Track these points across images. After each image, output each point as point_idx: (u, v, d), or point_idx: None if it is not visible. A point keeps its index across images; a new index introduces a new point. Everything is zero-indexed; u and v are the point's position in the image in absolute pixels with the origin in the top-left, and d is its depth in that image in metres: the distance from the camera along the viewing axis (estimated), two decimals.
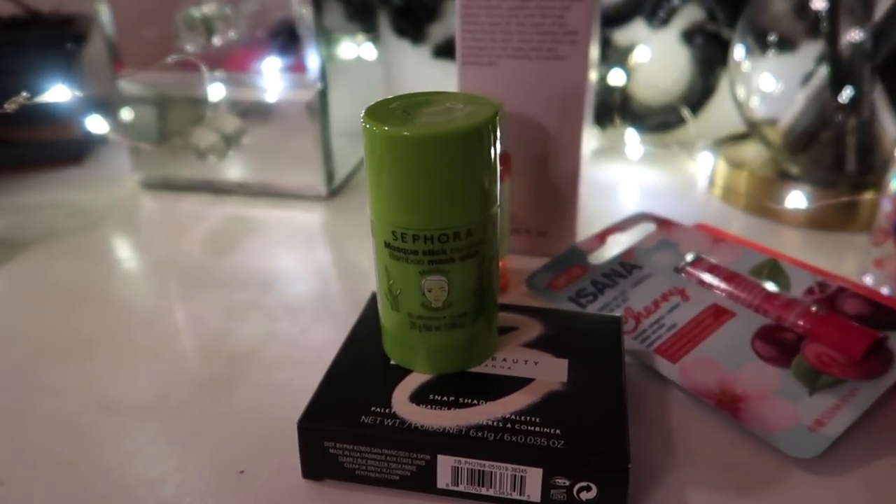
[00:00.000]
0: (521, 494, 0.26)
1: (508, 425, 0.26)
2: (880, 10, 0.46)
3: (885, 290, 0.40)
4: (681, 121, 0.63)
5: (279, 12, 0.50)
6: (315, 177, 0.54)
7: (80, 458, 0.29)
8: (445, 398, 0.28)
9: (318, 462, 0.28)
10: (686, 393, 0.32)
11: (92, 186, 0.59)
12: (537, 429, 0.26)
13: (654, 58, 0.63)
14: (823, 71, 0.49)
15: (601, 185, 0.58)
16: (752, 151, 0.59)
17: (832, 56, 0.48)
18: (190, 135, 0.52)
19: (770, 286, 0.35)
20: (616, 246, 0.42)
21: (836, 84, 0.48)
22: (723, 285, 0.36)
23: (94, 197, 0.57)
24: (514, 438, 0.26)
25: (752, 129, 0.55)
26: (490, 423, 0.26)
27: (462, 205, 0.27)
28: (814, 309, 0.33)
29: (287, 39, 0.51)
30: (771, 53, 0.53)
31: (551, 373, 0.29)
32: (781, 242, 0.47)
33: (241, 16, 0.50)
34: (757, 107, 0.54)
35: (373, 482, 0.27)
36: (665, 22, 0.62)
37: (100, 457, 0.29)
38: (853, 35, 0.47)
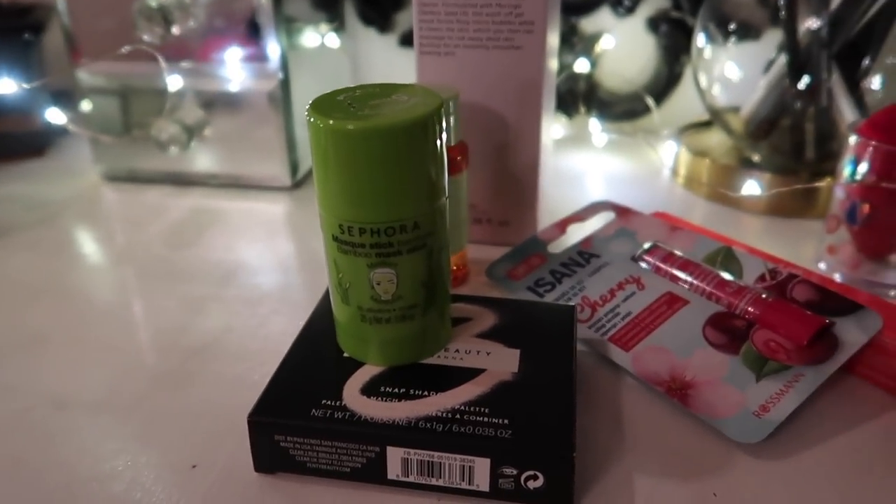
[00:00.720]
0: (470, 484, 0.26)
1: (457, 416, 0.26)
2: None
3: (837, 277, 0.40)
4: (646, 109, 0.63)
5: (239, 1, 0.50)
6: (279, 167, 0.54)
7: (30, 454, 0.29)
8: (396, 390, 0.28)
9: (269, 456, 0.28)
10: (638, 381, 0.32)
11: (53, 179, 0.58)
12: (486, 419, 0.26)
13: (620, 46, 0.63)
14: (784, 59, 0.49)
15: (566, 173, 0.58)
16: (716, 139, 0.59)
17: (790, 44, 0.48)
18: (151, 126, 0.52)
19: (723, 274, 0.36)
20: (576, 235, 0.42)
21: (794, 72, 0.49)
22: (677, 273, 0.36)
23: (54, 189, 0.56)
24: (462, 429, 0.26)
25: (715, 117, 0.56)
26: (439, 414, 0.27)
27: (408, 197, 0.27)
28: (764, 296, 0.34)
29: (248, 28, 0.51)
30: (732, 41, 0.53)
31: (503, 363, 0.29)
32: (741, 229, 0.48)
33: (199, 4, 0.50)
34: (719, 94, 0.54)
35: (324, 474, 0.27)
36: (630, 10, 0.62)
37: (50, 453, 0.29)
38: (811, 23, 0.47)
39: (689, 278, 0.36)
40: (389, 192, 0.26)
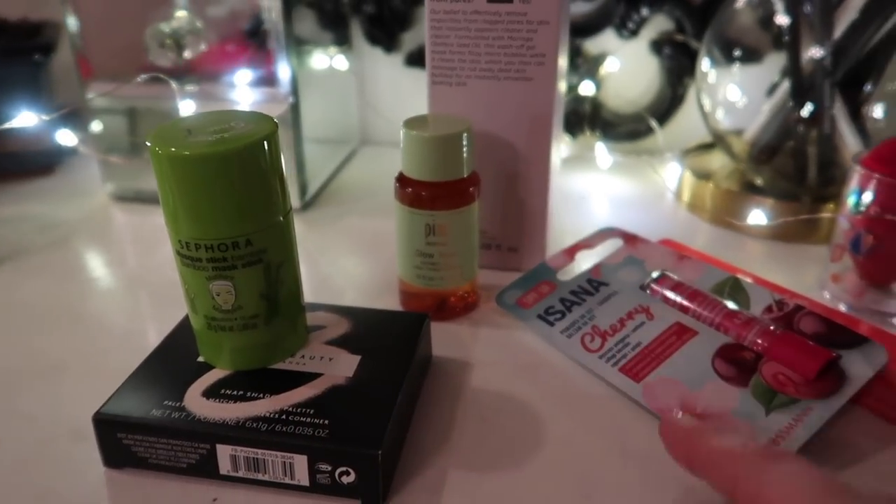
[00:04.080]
0: (292, 479, 0.28)
1: (284, 416, 0.29)
2: (840, 28, 0.47)
3: (842, 306, 0.41)
4: (649, 130, 0.64)
5: (249, 23, 0.50)
6: (289, 189, 0.54)
7: (55, 486, 0.30)
8: (235, 392, 0.30)
9: (115, 452, 0.30)
10: (648, 411, 0.33)
11: (62, 198, 0.58)
12: (309, 420, 0.29)
13: (624, 67, 0.64)
14: (787, 83, 0.50)
15: (571, 194, 0.58)
16: (719, 161, 0.60)
17: (794, 72, 0.49)
18: None
19: (731, 304, 0.36)
20: (585, 261, 0.43)
21: (797, 99, 0.49)
22: (686, 303, 0.37)
23: (64, 209, 0.56)
24: (284, 429, 0.28)
25: (718, 140, 0.57)
26: (268, 415, 0.29)
27: (240, 217, 0.29)
28: (772, 328, 0.34)
29: (259, 51, 0.51)
30: (736, 66, 0.54)
31: (341, 368, 0.32)
32: (745, 255, 0.49)
33: (211, 29, 0.50)
34: (722, 118, 0.55)
35: (164, 469, 0.30)
36: (634, 32, 0.63)
37: (75, 485, 0.30)
38: (814, 51, 0.48)
39: (698, 309, 0.37)
40: (222, 212, 0.28)
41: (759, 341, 0.34)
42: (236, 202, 0.28)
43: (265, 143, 0.28)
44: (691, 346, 0.35)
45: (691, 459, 0.26)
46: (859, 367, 0.32)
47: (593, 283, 0.41)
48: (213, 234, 0.29)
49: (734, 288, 0.38)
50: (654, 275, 0.40)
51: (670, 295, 0.38)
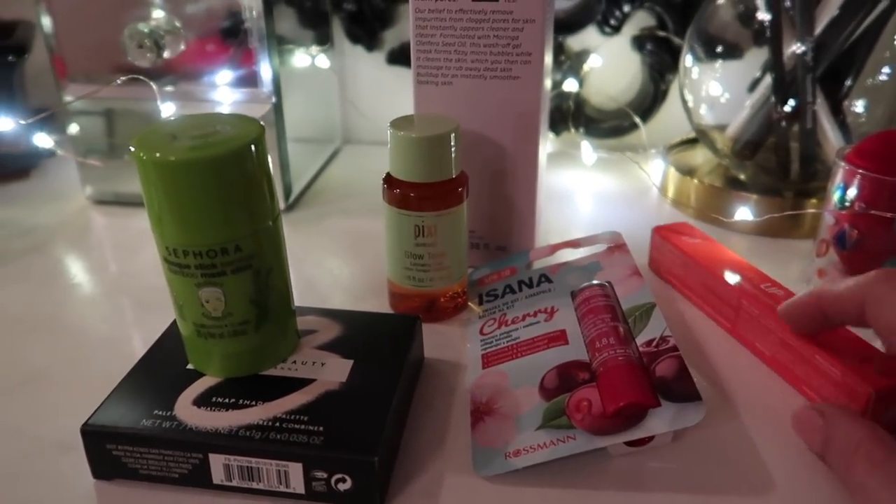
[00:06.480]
0: (287, 487, 0.28)
1: (277, 424, 0.28)
2: (821, 23, 0.48)
3: None
4: (632, 126, 0.64)
5: (229, 23, 0.50)
6: None
7: (41, 500, 0.29)
8: (227, 400, 0.30)
9: (104, 463, 0.29)
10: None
11: (40, 202, 0.57)
12: (303, 426, 0.28)
13: (606, 64, 0.64)
14: (769, 79, 0.50)
15: (555, 191, 0.58)
16: (702, 157, 0.60)
17: (776, 67, 0.49)
18: None
19: (621, 328, 0.35)
20: (564, 258, 0.43)
21: (779, 94, 0.50)
22: (580, 316, 0.37)
23: (43, 214, 0.55)
24: (278, 436, 0.28)
25: (701, 136, 0.57)
26: (261, 422, 0.28)
27: (228, 222, 0.28)
28: (620, 358, 0.33)
29: (240, 51, 0.50)
30: (719, 62, 0.54)
31: (333, 373, 0.31)
32: (730, 249, 0.49)
33: (189, 28, 0.50)
34: (705, 113, 0.55)
35: (156, 480, 0.29)
36: (617, 29, 0.63)
37: (64, 499, 0.29)
38: (795, 47, 0.48)
39: (582, 324, 0.36)
40: (209, 218, 0.28)
41: (601, 368, 0.33)
42: (224, 207, 0.28)
43: (252, 146, 0.28)
44: (549, 352, 0.35)
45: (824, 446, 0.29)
46: (659, 422, 0.29)
47: (544, 277, 0.41)
48: (201, 241, 0.28)
49: (644, 314, 0.36)
50: (584, 284, 0.39)
51: (577, 305, 0.38)
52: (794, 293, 0.37)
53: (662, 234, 0.44)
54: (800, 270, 0.45)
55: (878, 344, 0.32)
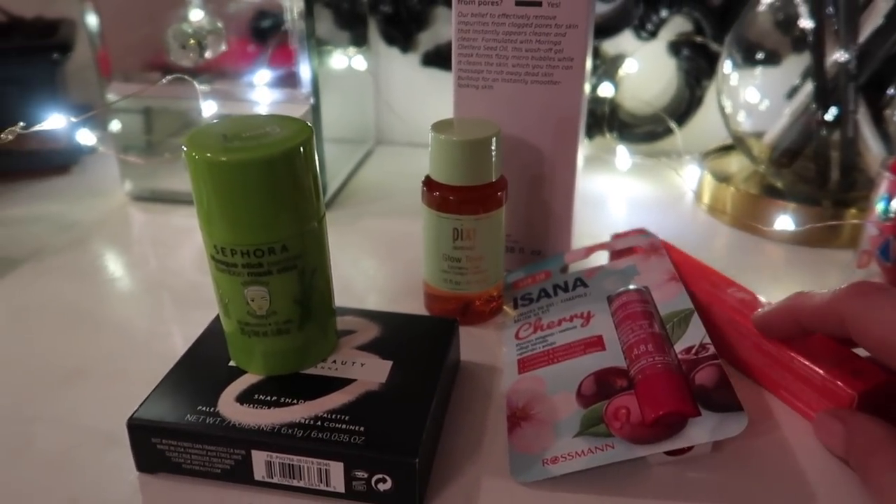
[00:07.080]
0: (327, 486, 0.28)
1: (319, 423, 0.29)
2: (865, 32, 0.47)
3: None
4: (668, 131, 0.64)
5: (269, 23, 0.50)
6: None
7: (86, 492, 0.29)
8: (269, 398, 0.30)
9: (148, 457, 0.30)
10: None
11: (80, 198, 0.58)
12: (344, 426, 0.29)
13: (642, 69, 0.64)
14: (809, 86, 0.50)
15: (590, 196, 0.58)
16: (738, 163, 0.60)
17: (818, 74, 0.49)
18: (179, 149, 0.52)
19: (661, 334, 0.34)
20: (599, 261, 0.43)
21: (821, 102, 0.49)
22: (617, 322, 0.36)
23: (83, 209, 0.56)
24: (320, 435, 0.28)
25: (738, 143, 0.56)
26: (303, 421, 0.29)
27: (276, 222, 0.28)
28: (659, 365, 0.32)
29: (280, 52, 0.51)
30: (758, 69, 0.53)
31: (373, 374, 0.32)
32: (765, 258, 0.49)
33: (231, 29, 0.50)
34: (743, 120, 0.55)
35: (198, 475, 0.30)
36: (653, 34, 0.63)
37: (110, 491, 0.30)
38: (838, 55, 0.48)
39: (618, 331, 0.36)
40: (257, 218, 0.28)
41: (639, 375, 0.32)
42: (273, 208, 0.28)
43: (301, 148, 0.28)
44: (586, 358, 0.34)
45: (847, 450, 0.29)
46: (699, 432, 0.29)
47: (580, 281, 0.41)
48: (249, 240, 0.28)
49: (682, 321, 0.35)
50: (621, 289, 0.39)
51: (614, 311, 0.37)
52: (757, 296, 0.37)
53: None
54: (837, 281, 0.45)
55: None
